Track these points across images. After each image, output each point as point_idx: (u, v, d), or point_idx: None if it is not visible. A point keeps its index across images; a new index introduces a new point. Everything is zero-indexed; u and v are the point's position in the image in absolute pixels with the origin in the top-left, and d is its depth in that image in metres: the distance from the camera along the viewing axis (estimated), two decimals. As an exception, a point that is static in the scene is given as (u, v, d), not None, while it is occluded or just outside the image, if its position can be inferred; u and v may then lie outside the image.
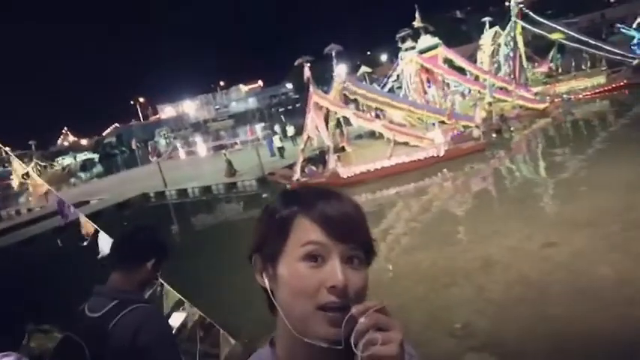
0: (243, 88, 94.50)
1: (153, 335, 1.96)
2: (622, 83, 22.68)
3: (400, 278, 7.95)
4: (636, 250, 7.03)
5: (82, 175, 50.49)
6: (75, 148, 79.08)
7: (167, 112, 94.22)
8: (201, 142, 40.36)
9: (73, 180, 44.03)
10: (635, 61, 23.86)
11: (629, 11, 48.85)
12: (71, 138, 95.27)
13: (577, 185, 11.12)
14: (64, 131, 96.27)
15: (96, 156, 69.39)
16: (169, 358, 2.02)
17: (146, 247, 2.16)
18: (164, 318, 2.18)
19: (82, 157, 64.97)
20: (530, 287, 6.62)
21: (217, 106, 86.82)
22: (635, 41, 32.85)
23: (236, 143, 35.17)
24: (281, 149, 24.13)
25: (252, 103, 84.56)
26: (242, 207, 19.06)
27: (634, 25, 38.92)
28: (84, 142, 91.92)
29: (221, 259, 10.35)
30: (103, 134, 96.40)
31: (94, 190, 28.23)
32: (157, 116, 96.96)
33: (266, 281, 0.92)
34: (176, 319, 2.37)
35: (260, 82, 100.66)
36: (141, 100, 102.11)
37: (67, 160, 59.39)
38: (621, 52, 24.85)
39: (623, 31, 37.41)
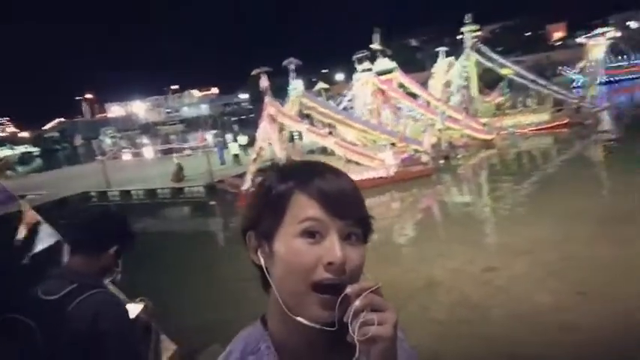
0: (197, 93, 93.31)
1: (112, 321, 1.89)
2: (564, 122, 23.94)
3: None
4: (572, 278, 7.36)
5: (20, 168, 48.09)
6: (14, 140, 75.38)
7: (115, 111, 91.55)
8: (149, 145, 39.36)
9: (9, 172, 41.80)
10: (576, 102, 25.29)
11: (571, 56, 51.98)
12: (10, 129, 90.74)
13: (518, 214, 11.56)
14: (3, 121, 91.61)
15: (36, 150, 66.39)
16: (126, 345, 1.95)
17: (111, 233, 2.09)
18: (123, 306, 2.09)
19: (21, 149, 61.98)
20: (472, 309, 6.79)
21: (168, 110, 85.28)
22: (575, 84, 34.93)
23: (185, 148, 34.52)
24: (237, 156, 23.88)
25: (204, 109, 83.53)
26: (188, 213, 18.66)
27: (575, 69, 41.44)
28: (24, 134, 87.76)
29: (165, 270, 10.07)
30: (46, 128, 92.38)
31: (31, 184, 26.83)
32: (104, 114, 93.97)
33: (261, 259, 0.90)
34: (132, 310, 2.27)
35: (214, 89, 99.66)
36: (88, 96, 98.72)
37: (3, 152, 56.49)
38: (564, 92, 26.31)
39: (565, 73, 39.71)
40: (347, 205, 0.86)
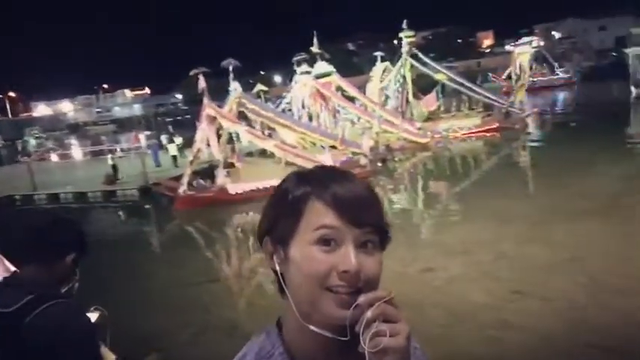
0: (129, 93, 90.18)
1: (75, 333, 1.75)
2: (494, 126, 25.02)
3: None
4: (505, 277, 7.68)
5: None
6: None
7: (41, 110, 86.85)
8: (77, 146, 37.63)
9: None
10: (505, 107, 26.50)
11: (500, 62, 54.59)
12: None
13: (453, 216, 11.96)
14: None
15: (-48, 149, 61.77)
16: (92, 357, 1.81)
17: (68, 239, 1.94)
18: (86, 315, 1.94)
19: None
20: (412, 308, 6.90)
21: (99, 109, 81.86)
22: (504, 89, 36.64)
23: (116, 150, 33.24)
24: (175, 158, 23.21)
25: (137, 109, 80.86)
26: (121, 218, 17.97)
27: (503, 76, 43.52)
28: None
29: (99, 278, 9.62)
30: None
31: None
32: (29, 114, 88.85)
33: (276, 264, 0.89)
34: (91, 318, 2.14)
35: (147, 90, 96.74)
36: (11, 94, 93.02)
37: None
38: (494, 98, 27.48)
39: (496, 80, 41.63)
40: (363, 213, 0.85)
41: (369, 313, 0.76)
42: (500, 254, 8.63)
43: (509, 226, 10.03)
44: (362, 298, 0.78)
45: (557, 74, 51.23)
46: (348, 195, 0.85)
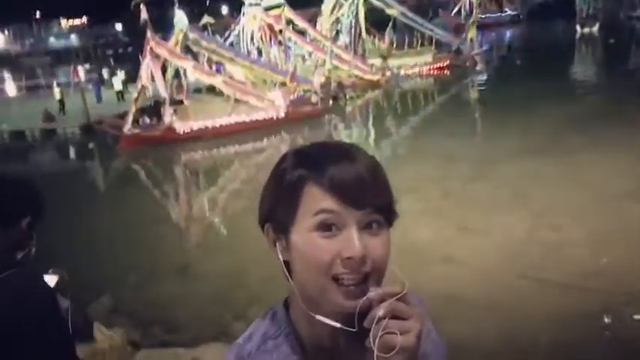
0: (65, 23, 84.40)
1: (33, 304, 1.64)
2: (445, 64, 25.11)
3: (237, 237, 7.93)
4: (450, 214, 7.95)
5: None
6: None
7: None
8: (10, 80, 35.32)
9: None
10: (455, 45, 26.55)
11: (451, -3, 54.08)
12: None
13: (402, 153, 12.16)
14: None
15: None
16: (58, 327, 1.71)
17: (21, 201, 1.78)
18: (44, 283, 1.82)
19: None
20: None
21: (32, 40, 76.41)
22: (454, 26, 36.57)
23: (54, 84, 31.37)
24: (121, 93, 22.13)
25: (74, 40, 76.05)
26: (62, 157, 17.26)
27: (453, 12, 43.32)
28: None
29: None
30: None
31: None
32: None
33: (279, 253, 0.84)
34: (50, 282, 2.01)
35: (84, 19, 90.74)
36: None
37: None
38: (445, 34, 27.40)
39: (442, 16, 41.46)
40: (365, 194, 0.79)
41: (380, 311, 0.72)
42: (446, 192, 8.89)
43: (456, 164, 10.29)
44: (372, 293, 0.74)
45: (505, 11, 51.54)
46: (348, 176, 0.79)
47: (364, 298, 0.74)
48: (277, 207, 0.83)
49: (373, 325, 0.72)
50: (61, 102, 19.83)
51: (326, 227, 0.78)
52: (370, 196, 0.79)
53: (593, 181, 8.51)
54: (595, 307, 5.06)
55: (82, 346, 3.63)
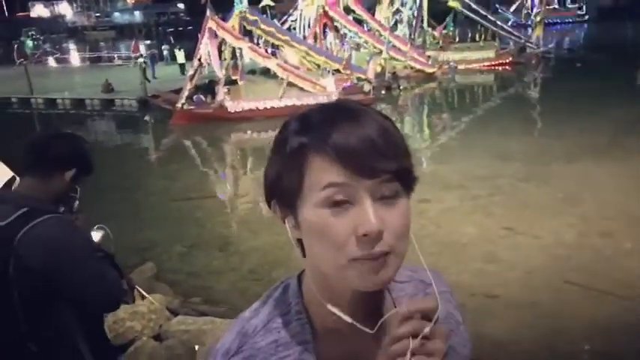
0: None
1: (70, 249, 1.70)
2: (507, 60, 24.36)
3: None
4: (498, 212, 7.75)
5: None
6: None
7: (38, 10, 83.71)
8: (76, 51, 36.72)
9: None
10: (522, 42, 25.67)
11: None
12: None
13: (453, 148, 11.90)
14: None
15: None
16: (90, 273, 1.76)
17: (67, 154, 1.85)
18: (81, 231, 1.89)
19: None
20: (403, 238, 7.01)
21: (98, 14, 78.98)
22: (510, 23, 35.30)
23: (116, 57, 32.44)
24: (183, 66, 22.63)
25: (137, 16, 78.07)
26: (118, 128, 17.84)
27: (511, 9, 41.80)
28: None
29: (95, 188, 9.65)
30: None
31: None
32: (26, 13, 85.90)
33: (289, 230, 0.76)
34: (94, 237, 2.08)
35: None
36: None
37: None
38: (511, 31, 26.51)
39: (502, 12, 40.10)
40: (375, 159, 0.69)
41: (400, 329, 0.64)
42: (495, 190, 8.65)
43: (508, 162, 10.01)
44: (403, 309, 0.66)
45: (569, 9, 49.42)
46: (353, 140, 0.69)
47: (391, 312, 0.67)
48: (281, 179, 0.74)
49: (389, 341, 0.65)
50: (144, 71, 20.44)
51: (336, 203, 0.69)
52: (383, 161, 0.69)
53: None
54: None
55: (122, 306, 3.74)
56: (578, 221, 7.20)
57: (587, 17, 49.53)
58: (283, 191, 0.74)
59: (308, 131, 0.71)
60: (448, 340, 0.67)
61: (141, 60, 22.44)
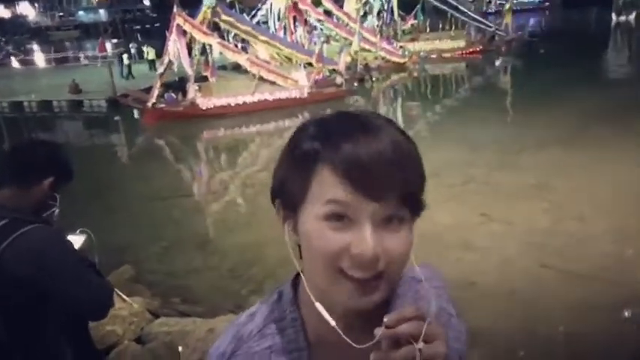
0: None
1: (55, 260, 1.68)
2: (478, 49, 24.67)
3: (256, 215, 7.96)
4: (472, 201, 7.86)
5: None
6: None
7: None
8: (40, 52, 35.77)
9: None
10: (492, 30, 26.03)
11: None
12: None
13: (427, 138, 11.99)
14: None
15: None
16: (78, 282, 1.75)
17: (45, 162, 1.83)
18: (66, 239, 1.86)
19: None
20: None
21: (62, 13, 77.11)
22: (487, 10, 35.78)
23: (81, 58, 31.68)
24: (153, 62, 22.32)
25: (103, 15, 76.50)
26: (88, 129, 17.50)
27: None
28: None
29: (68, 190, 9.45)
30: None
31: None
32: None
33: (286, 233, 0.76)
34: (75, 242, 2.05)
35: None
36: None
37: None
38: (481, 20, 26.85)
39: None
40: (384, 182, 0.66)
41: (399, 329, 0.62)
42: (469, 178, 8.78)
43: (481, 151, 10.14)
44: (387, 318, 0.63)
45: None
46: (365, 158, 0.66)
47: (376, 339, 0.63)
48: (287, 181, 0.74)
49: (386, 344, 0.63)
50: (129, 67, 21.20)
51: (337, 217, 0.67)
52: (393, 185, 0.67)
53: (621, 173, 8.31)
54: (617, 299, 4.97)
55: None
56: (552, 207, 7.35)
57: (547, 4, 50.60)
58: (288, 194, 0.73)
59: (322, 139, 0.70)
60: (443, 308, 0.71)
61: (125, 57, 22.44)
